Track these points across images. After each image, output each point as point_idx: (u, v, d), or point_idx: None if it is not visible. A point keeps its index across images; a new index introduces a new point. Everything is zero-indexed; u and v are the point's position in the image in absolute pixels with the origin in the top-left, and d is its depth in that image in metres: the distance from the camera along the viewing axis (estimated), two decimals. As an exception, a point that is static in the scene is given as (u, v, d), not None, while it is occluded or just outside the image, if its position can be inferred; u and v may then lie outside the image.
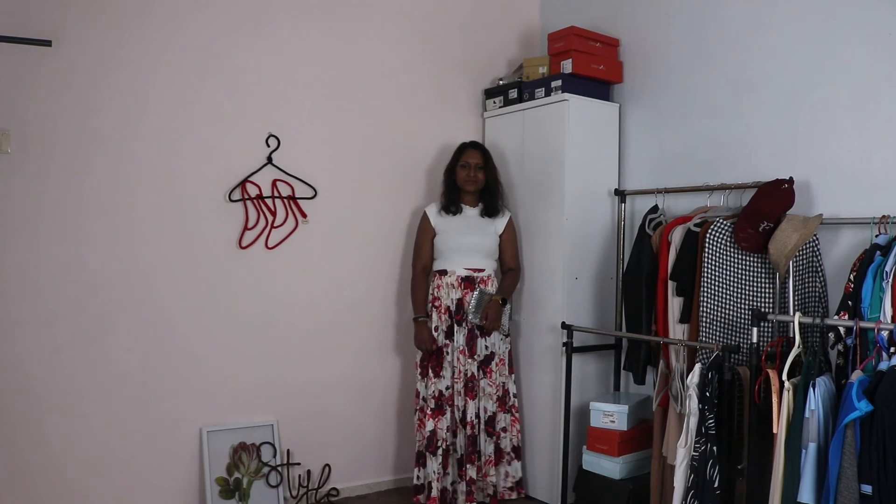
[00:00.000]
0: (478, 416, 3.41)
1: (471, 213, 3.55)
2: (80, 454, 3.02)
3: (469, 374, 3.40)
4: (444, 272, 3.47)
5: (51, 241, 2.96)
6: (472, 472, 3.39)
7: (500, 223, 3.55)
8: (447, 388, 3.40)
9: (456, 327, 3.41)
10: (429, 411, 3.37)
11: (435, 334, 3.42)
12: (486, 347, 3.43)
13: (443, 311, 3.43)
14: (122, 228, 3.10)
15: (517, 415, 3.51)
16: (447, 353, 3.41)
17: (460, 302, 3.42)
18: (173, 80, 3.19)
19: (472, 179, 3.49)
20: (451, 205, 3.52)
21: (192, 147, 3.24)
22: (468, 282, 3.43)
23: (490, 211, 3.53)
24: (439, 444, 3.36)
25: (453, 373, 3.40)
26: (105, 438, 3.07)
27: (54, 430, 2.98)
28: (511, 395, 3.49)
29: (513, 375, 3.52)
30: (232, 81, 3.32)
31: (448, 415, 3.39)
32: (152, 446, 3.17)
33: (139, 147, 3.12)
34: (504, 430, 3.47)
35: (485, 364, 3.43)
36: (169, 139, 3.18)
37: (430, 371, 3.40)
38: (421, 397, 3.44)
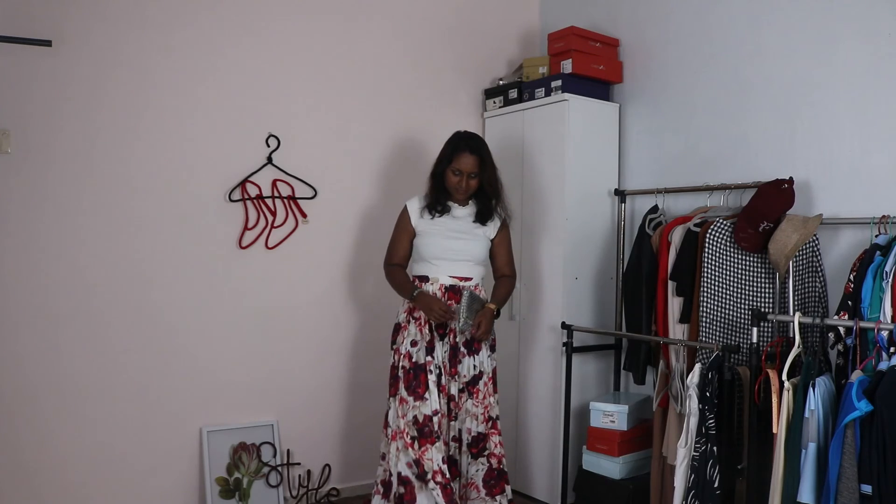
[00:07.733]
0: (458, 438, 2.93)
1: (460, 213, 3.02)
2: (80, 454, 3.02)
3: (451, 395, 2.93)
4: (425, 279, 2.96)
5: (51, 241, 2.96)
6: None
7: (493, 226, 3.04)
8: (434, 413, 2.80)
9: (437, 342, 2.90)
10: (409, 440, 2.77)
11: (414, 349, 2.88)
12: (475, 367, 2.92)
13: (423, 322, 2.92)
14: (122, 228, 3.10)
15: (501, 438, 3.00)
16: (430, 370, 2.85)
17: None
18: (173, 80, 3.19)
19: (462, 188, 2.94)
20: (437, 204, 3.00)
21: (192, 147, 3.24)
22: (453, 291, 2.93)
23: (483, 216, 3.01)
24: (438, 479, 2.73)
25: (438, 394, 2.85)
26: (105, 438, 3.07)
27: (54, 430, 2.97)
28: (496, 417, 2.97)
29: (496, 395, 3.00)
30: (232, 81, 3.31)
31: (440, 443, 2.78)
32: (152, 446, 3.17)
33: (139, 147, 3.12)
34: (494, 455, 2.94)
35: (471, 384, 2.92)
36: (169, 139, 3.18)
37: (404, 393, 2.83)
38: (395, 425, 2.84)
